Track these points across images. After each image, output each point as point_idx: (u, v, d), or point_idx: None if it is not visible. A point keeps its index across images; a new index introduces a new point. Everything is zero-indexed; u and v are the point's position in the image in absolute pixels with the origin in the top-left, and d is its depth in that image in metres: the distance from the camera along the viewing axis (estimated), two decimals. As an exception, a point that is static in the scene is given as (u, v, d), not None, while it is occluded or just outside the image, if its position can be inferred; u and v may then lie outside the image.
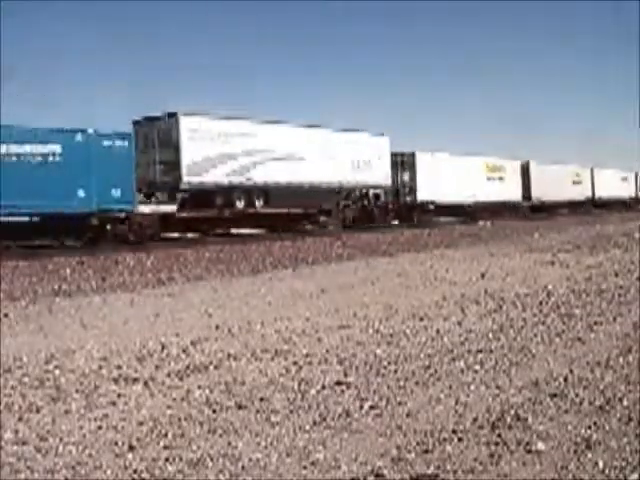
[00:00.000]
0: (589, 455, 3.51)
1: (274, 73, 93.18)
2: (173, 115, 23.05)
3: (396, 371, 5.29)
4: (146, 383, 5.11)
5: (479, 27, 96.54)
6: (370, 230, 28.17)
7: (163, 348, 6.29)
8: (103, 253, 18.14)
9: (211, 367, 5.57)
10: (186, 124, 22.96)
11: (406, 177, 32.90)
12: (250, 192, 25.26)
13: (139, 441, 3.86)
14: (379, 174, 30.38)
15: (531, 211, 42.41)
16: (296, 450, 3.67)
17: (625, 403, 4.33)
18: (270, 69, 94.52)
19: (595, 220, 34.30)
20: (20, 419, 4.32)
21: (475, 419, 4.10)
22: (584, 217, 39.44)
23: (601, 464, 3.39)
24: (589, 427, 3.92)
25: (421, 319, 7.53)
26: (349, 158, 28.75)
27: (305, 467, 3.45)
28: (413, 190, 33.06)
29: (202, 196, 24.15)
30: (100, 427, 4.13)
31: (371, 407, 4.39)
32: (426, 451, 3.62)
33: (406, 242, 21.91)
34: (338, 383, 4.97)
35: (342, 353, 5.96)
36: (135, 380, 5.20)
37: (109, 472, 3.44)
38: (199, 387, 4.97)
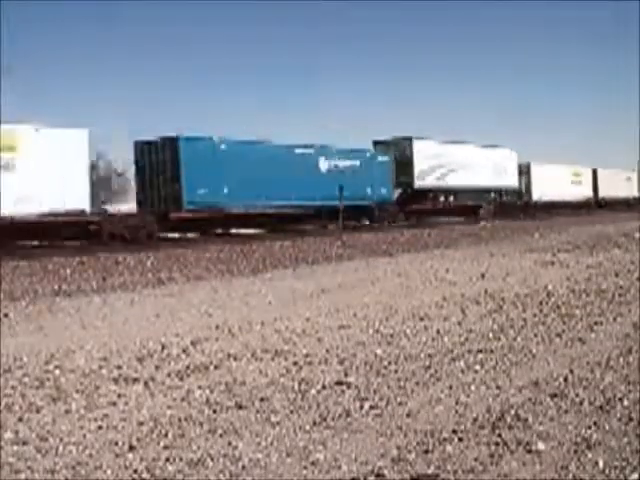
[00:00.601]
0: (589, 455, 3.51)
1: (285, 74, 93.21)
2: (408, 139, 34.86)
3: (396, 371, 5.29)
4: (146, 383, 5.11)
5: (480, 27, 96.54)
6: (370, 230, 28.19)
7: (163, 348, 6.29)
8: (115, 252, 18.16)
9: (211, 367, 5.57)
10: (417, 146, 34.87)
11: (524, 181, 43.72)
12: (447, 191, 37.65)
13: (139, 441, 3.86)
14: (511, 179, 42.21)
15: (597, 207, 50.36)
16: (296, 450, 3.67)
17: (625, 403, 4.33)
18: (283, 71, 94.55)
19: (595, 220, 34.32)
20: (20, 419, 4.32)
21: (475, 419, 4.10)
22: (586, 217, 39.47)
23: (601, 464, 3.39)
24: (589, 427, 3.92)
25: (421, 319, 7.53)
26: (495, 168, 40.37)
27: (305, 467, 3.45)
28: (529, 191, 44.03)
29: (421, 193, 35.87)
30: (100, 427, 4.13)
31: (371, 407, 4.39)
32: (426, 451, 3.62)
33: (406, 242, 21.92)
34: (338, 383, 4.97)
35: (342, 353, 5.96)
36: (135, 380, 5.20)
37: (109, 472, 3.44)
38: (199, 387, 4.97)
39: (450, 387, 4.80)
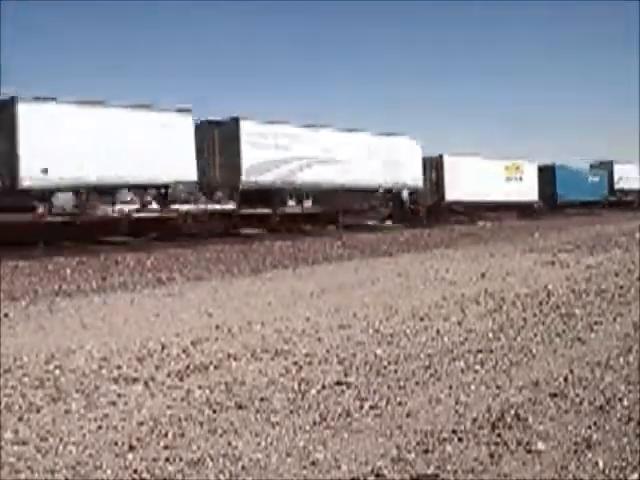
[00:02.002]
0: (589, 455, 3.51)
1: (279, 72, 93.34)
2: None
3: (396, 371, 5.29)
4: (146, 383, 5.11)
5: (480, 26, 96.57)
6: (370, 230, 28.15)
7: (163, 348, 6.29)
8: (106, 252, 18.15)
9: (211, 367, 5.57)
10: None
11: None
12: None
13: (139, 441, 3.86)
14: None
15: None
16: (296, 450, 3.67)
17: (625, 403, 4.33)
18: (276, 68, 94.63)
19: (595, 220, 34.32)
20: (20, 419, 4.32)
21: (475, 419, 4.10)
22: (586, 217, 39.44)
23: (601, 464, 3.39)
24: (589, 427, 3.92)
25: (421, 319, 7.53)
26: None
27: (305, 467, 3.45)
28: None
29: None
30: (100, 427, 4.13)
31: (371, 407, 4.39)
32: (426, 451, 3.62)
33: (406, 242, 21.91)
34: (338, 383, 4.97)
35: (342, 353, 5.96)
36: (135, 380, 5.20)
37: (109, 472, 3.44)
38: (199, 387, 4.97)
39: (450, 387, 4.80)
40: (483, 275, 11.61)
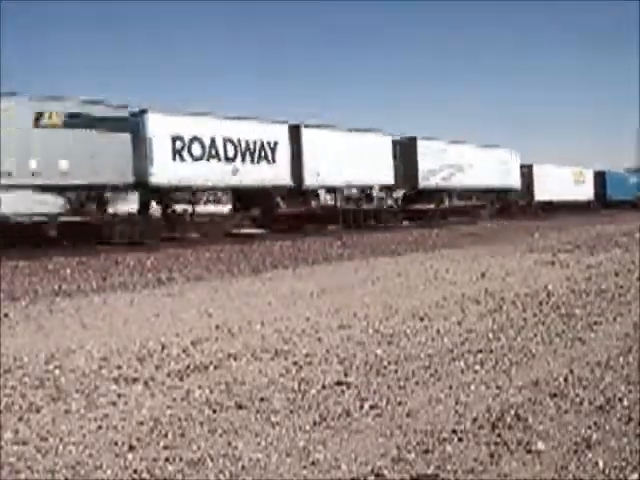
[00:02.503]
0: (589, 455, 3.51)
1: (281, 72, 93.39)
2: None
3: (396, 371, 5.29)
4: (146, 383, 5.12)
5: (480, 26, 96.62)
6: (370, 230, 28.17)
7: (163, 348, 6.29)
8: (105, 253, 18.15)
9: (211, 367, 5.57)
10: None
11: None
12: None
13: (139, 441, 3.87)
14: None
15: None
16: (296, 450, 3.67)
17: (625, 403, 4.33)
18: (279, 69, 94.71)
19: (595, 220, 34.32)
20: (20, 419, 4.32)
21: (475, 419, 4.10)
22: (586, 217, 39.46)
23: (601, 464, 3.39)
24: (589, 427, 3.92)
25: (421, 319, 7.53)
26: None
27: (305, 467, 3.45)
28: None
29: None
30: (100, 427, 4.13)
31: (371, 407, 4.39)
32: (426, 451, 3.62)
33: (406, 242, 21.91)
34: (338, 383, 4.97)
35: (342, 353, 5.96)
36: (135, 380, 5.20)
37: (109, 472, 3.44)
38: (199, 387, 4.97)
39: (450, 387, 4.80)
40: (483, 275, 11.61)
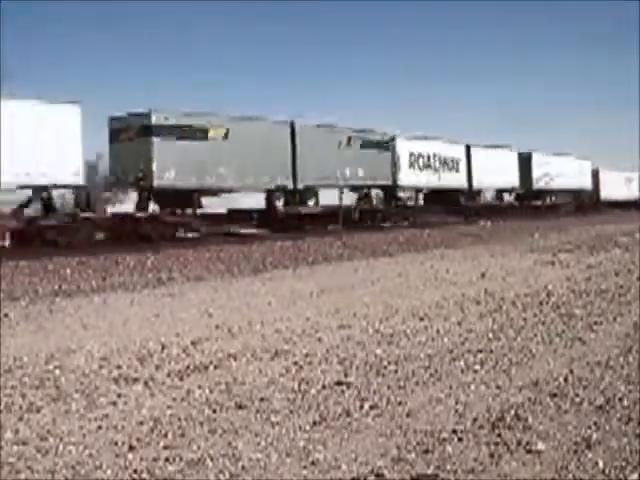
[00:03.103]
0: (589, 455, 3.51)
1: (280, 71, 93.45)
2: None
3: (396, 371, 5.29)
4: (146, 383, 5.11)
5: (480, 25, 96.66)
6: (370, 230, 28.17)
7: (163, 348, 6.29)
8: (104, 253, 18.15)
9: (211, 367, 5.57)
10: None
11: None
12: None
13: (139, 441, 3.86)
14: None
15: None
16: (296, 450, 3.67)
17: (625, 403, 4.33)
18: (277, 68, 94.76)
19: (596, 220, 34.31)
20: (20, 419, 4.32)
21: (475, 419, 4.10)
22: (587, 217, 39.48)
23: (601, 464, 3.39)
24: (589, 427, 3.92)
25: (421, 319, 7.53)
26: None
27: (305, 467, 3.45)
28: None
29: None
30: (100, 427, 4.13)
31: (371, 407, 4.39)
32: (426, 451, 3.62)
33: (406, 242, 21.91)
34: (338, 383, 4.97)
35: (342, 353, 5.96)
36: (135, 380, 5.20)
37: (109, 472, 3.44)
38: (199, 387, 4.97)
39: (450, 387, 4.80)
40: (483, 275, 11.61)
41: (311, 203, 27.28)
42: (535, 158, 42.55)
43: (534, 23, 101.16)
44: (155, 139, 20.90)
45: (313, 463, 3.49)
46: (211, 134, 22.51)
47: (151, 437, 3.93)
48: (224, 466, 3.48)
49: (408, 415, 4.23)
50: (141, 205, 21.94)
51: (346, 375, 5.20)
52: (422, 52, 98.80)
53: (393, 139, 31.09)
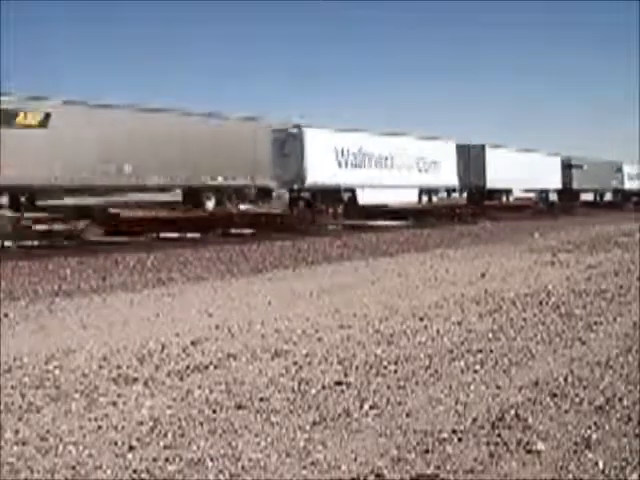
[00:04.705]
0: (589, 455, 3.51)
1: (277, 71, 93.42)
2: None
3: (396, 371, 5.29)
4: (146, 383, 5.12)
5: (480, 24, 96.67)
6: (370, 230, 28.17)
7: (163, 348, 6.29)
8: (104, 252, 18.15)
9: (211, 367, 5.57)
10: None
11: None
12: None
13: (139, 441, 3.87)
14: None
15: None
16: (296, 450, 3.67)
17: (625, 403, 4.33)
18: (276, 67, 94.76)
19: (596, 220, 34.31)
20: (20, 419, 4.32)
21: (475, 419, 4.10)
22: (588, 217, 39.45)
23: (601, 464, 3.39)
24: (589, 427, 3.92)
25: (421, 319, 7.53)
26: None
27: (305, 467, 3.45)
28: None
29: None
30: (100, 427, 4.13)
31: (371, 407, 4.39)
32: (426, 451, 3.62)
33: (406, 242, 21.91)
34: (338, 383, 4.97)
35: (342, 353, 5.96)
36: (135, 380, 5.20)
37: (109, 472, 3.44)
38: (199, 387, 4.97)
39: (450, 387, 4.81)
40: (483, 275, 11.61)
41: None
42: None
43: (534, 23, 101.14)
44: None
45: (313, 463, 3.49)
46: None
47: (151, 437, 3.93)
48: (224, 466, 3.48)
49: (408, 415, 4.23)
50: None
51: (346, 375, 5.20)
52: (422, 52, 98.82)
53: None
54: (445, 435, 3.84)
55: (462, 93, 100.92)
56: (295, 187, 25.72)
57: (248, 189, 23.36)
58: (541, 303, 8.46)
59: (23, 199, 18.61)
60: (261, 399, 4.62)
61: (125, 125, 19.64)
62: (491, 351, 5.88)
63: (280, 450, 3.68)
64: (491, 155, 35.61)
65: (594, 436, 3.77)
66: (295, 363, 5.62)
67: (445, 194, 35.02)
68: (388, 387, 4.84)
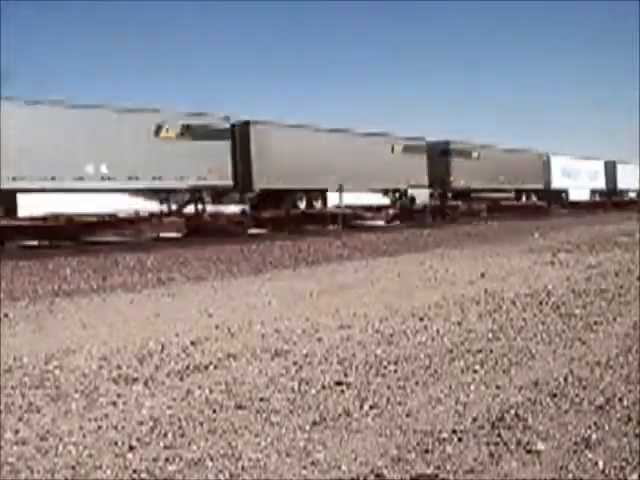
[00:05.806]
0: (589, 455, 3.51)
1: (276, 72, 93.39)
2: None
3: (396, 371, 5.29)
4: (146, 383, 5.12)
5: (480, 22, 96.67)
6: (370, 230, 28.19)
7: (163, 348, 6.30)
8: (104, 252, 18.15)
9: (211, 367, 5.58)
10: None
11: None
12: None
13: (139, 441, 3.87)
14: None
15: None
16: (296, 450, 3.67)
17: (625, 403, 4.33)
18: (273, 69, 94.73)
19: (596, 220, 34.32)
20: (20, 419, 4.32)
21: (475, 419, 4.10)
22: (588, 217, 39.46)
23: (601, 464, 3.39)
24: (589, 427, 3.92)
25: (421, 319, 7.53)
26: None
27: (305, 467, 3.45)
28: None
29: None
30: (100, 427, 4.13)
31: (371, 407, 4.39)
32: (426, 451, 3.62)
33: (406, 242, 21.92)
34: (338, 383, 4.97)
35: (342, 353, 5.96)
36: (135, 380, 5.20)
37: (109, 472, 3.44)
38: (199, 387, 4.97)
39: (450, 387, 4.81)
40: (483, 275, 11.61)
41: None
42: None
43: (533, 23, 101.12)
44: None
45: (313, 463, 3.49)
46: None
47: (151, 437, 3.93)
48: (224, 466, 3.48)
49: (408, 415, 4.23)
50: None
51: (346, 375, 5.20)
52: (421, 51, 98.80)
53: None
54: (445, 435, 3.84)
55: (458, 91, 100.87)
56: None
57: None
58: (541, 303, 8.46)
59: None
60: (261, 399, 4.62)
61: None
62: (491, 351, 5.88)
63: (280, 450, 3.68)
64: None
65: (594, 436, 3.77)
66: (295, 363, 5.62)
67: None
68: (388, 387, 4.84)
